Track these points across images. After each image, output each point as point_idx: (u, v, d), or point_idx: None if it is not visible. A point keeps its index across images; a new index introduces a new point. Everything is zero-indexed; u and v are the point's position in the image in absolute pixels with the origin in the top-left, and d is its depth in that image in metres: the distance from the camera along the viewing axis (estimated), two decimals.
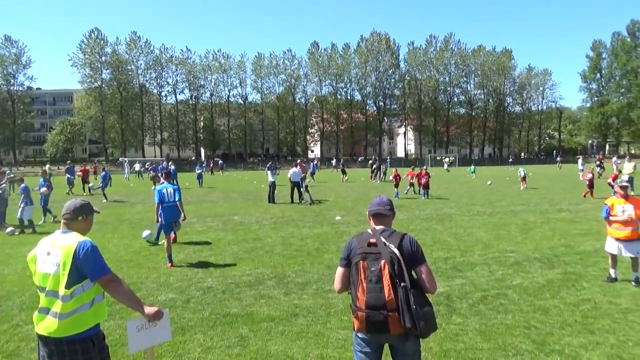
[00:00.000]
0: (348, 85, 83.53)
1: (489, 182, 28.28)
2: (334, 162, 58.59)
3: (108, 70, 73.18)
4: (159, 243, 10.35)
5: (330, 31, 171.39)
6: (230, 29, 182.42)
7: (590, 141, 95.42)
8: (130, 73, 75.06)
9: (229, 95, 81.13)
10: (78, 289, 2.80)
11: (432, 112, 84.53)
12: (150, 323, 3.00)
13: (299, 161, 23.13)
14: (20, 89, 72.98)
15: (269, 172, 19.94)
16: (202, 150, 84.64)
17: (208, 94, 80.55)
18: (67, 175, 25.90)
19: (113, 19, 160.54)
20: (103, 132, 73.52)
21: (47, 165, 37.44)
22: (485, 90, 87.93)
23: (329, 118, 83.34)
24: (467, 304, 6.11)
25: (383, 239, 2.91)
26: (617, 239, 6.92)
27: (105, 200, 20.75)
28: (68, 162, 29.80)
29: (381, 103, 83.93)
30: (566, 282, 7.05)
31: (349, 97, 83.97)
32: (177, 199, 8.80)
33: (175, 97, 79.47)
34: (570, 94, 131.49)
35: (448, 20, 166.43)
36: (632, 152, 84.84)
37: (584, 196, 19.23)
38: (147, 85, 77.65)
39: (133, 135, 75.33)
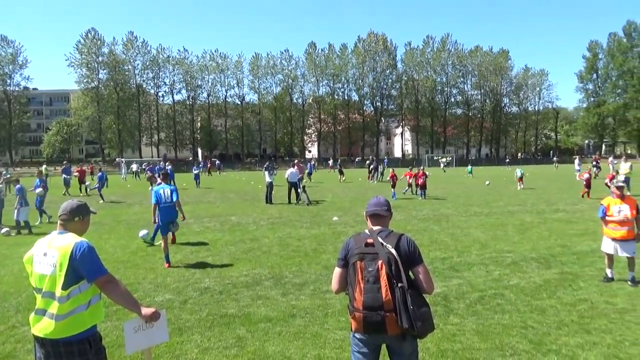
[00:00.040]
0: (345, 86, 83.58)
1: (487, 183, 28.33)
2: (330, 162, 58.61)
3: (105, 71, 73.03)
4: (155, 244, 10.34)
5: (327, 31, 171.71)
6: (228, 29, 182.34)
7: (586, 141, 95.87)
8: (127, 73, 74.92)
9: (226, 96, 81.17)
10: (75, 290, 2.79)
11: (429, 112, 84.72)
12: (148, 324, 2.99)
13: (296, 161, 23.10)
14: (17, 89, 72.82)
15: (266, 173, 19.91)
16: (200, 151, 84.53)
17: (205, 94, 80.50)
18: (64, 176, 25.82)
19: (110, 19, 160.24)
20: (100, 133, 73.27)
21: (44, 166, 37.30)
22: (482, 91, 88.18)
23: (326, 118, 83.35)
24: (465, 304, 6.12)
25: (380, 240, 2.91)
26: (613, 239, 6.95)
27: (102, 201, 20.69)
28: (64, 162, 29.73)
29: (378, 103, 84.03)
30: (563, 282, 7.07)
31: (346, 98, 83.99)
32: (174, 199, 8.79)
33: (173, 97, 79.45)
34: (566, 94, 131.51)
35: (445, 20, 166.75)
36: (629, 152, 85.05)
37: (582, 196, 19.28)
38: (144, 86, 77.54)
39: (130, 136, 75.17)
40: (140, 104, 75.62)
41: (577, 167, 32.84)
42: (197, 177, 31.12)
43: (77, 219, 3.04)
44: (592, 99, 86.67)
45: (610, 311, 5.80)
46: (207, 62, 78.50)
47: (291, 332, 5.26)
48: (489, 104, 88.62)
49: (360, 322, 2.83)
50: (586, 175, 20.03)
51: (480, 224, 12.94)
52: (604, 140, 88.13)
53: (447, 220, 13.87)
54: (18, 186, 13.43)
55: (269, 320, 5.64)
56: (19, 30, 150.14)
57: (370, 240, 2.93)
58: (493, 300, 6.29)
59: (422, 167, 24.17)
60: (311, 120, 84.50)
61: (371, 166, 34.25)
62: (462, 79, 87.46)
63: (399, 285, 2.74)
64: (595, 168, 28.90)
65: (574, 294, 6.50)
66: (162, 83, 78.34)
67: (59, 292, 2.76)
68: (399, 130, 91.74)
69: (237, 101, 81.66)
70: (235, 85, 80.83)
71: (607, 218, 7.04)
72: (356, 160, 72.27)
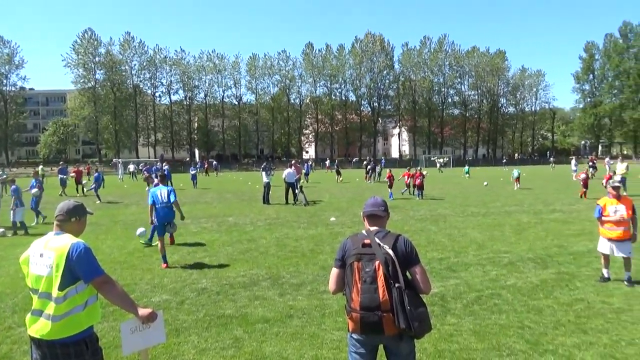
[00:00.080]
0: (342, 86, 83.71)
1: (485, 183, 28.34)
2: (327, 162, 58.62)
3: (102, 71, 72.90)
4: (153, 244, 10.31)
5: (324, 32, 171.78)
6: (225, 29, 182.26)
7: (583, 142, 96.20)
8: (124, 73, 74.76)
9: (223, 96, 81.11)
10: (71, 291, 2.78)
11: (426, 113, 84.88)
12: (144, 325, 2.98)
13: (293, 162, 23.11)
14: (13, 89, 72.51)
15: (263, 173, 19.91)
16: (197, 151, 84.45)
17: (202, 95, 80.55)
18: (60, 176, 25.73)
19: (107, 20, 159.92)
20: (97, 133, 73.08)
21: (40, 166, 37.19)
22: (479, 91, 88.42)
23: (323, 119, 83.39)
24: (462, 305, 6.13)
25: (377, 240, 2.91)
26: (610, 239, 6.98)
27: (98, 202, 20.64)
28: (61, 162, 29.59)
29: (375, 104, 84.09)
30: (559, 282, 7.09)
31: (343, 98, 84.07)
32: (172, 200, 8.77)
33: (170, 97, 79.42)
34: (563, 95, 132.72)
35: (442, 21, 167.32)
36: (625, 152, 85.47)
37: (581, 196, 19.32)
38: (141, 86, 77.41)
39: (127, 136, 75.02)
40: (137, 104, 75.53)
41: (573, 168, 32.96)
42: (194, 177, 31.08)
43: (73, 219, 3.03)
44: (588, 99, 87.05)
45: (607, 311, 5.82)
46: (204, 63, 78.50)
47: (288, 332, 5.25)
48: (486, 104, 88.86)
49: (358, 322, 2.83)
50: (583, 176, 20.11)
51: (478, 225, 12.96)
52: (601, 140, 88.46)
53: (445, 220, 13.89)
54: (13, 187, 13.36)
55: (266, 320, 5.63)
56: (15, 30, 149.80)
57: (367, 241, 2.93)
58: (490, 300, 6.30)
59: (419, 168, 24.22)
60: (308, 120, 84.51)
61: (368, 167, 34.28)
62: (459, 80, 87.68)
63: (396, 285, 2.74)
64: (591, 168, 28.98)
65: (570, 294, 6.52)
66: (159, 83, 78.40)
67: (55, 293, 2.75)
68: (396, 131, 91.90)
69: (235, 102, 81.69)
70: (232, 85, 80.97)
71: (603, 218, 7.06)
72: (353, 160, 72.37)
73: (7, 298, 6.72)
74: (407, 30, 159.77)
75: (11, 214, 12.81)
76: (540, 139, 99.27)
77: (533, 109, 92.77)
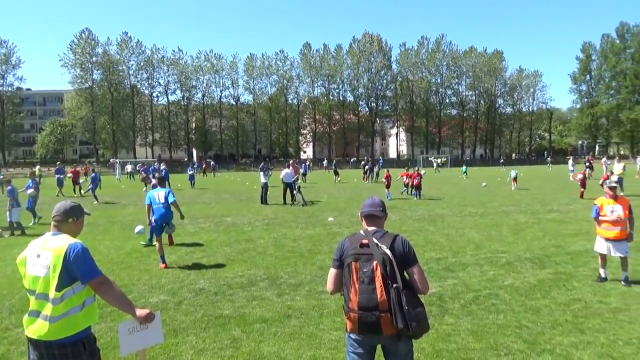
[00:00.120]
0: (340, 86, 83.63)
1: (483, 184, 28.26)
2: (325, 162, 58.61)
3: (99, 71, 72.57)
4: (153, 244, 10.28)
5: (322, 32, 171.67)
6: (222, 29, 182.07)
7: (580, 142, 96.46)
8: (121, 74, 74.52)
9: (221, 96, 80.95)
10: (69, 292, 2.77)
11: (424, 113, 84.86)
12: (142, 325, 2.98)
13: (291, 162, 23.11)
14: (10, 89, 72.31)
15: (261, 173, 19.89)
16: (194, 151, 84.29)
17: (200, 95, 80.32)
18: (57, 176, 25.69)
19: (104, 20, 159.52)
20: (94, 133, 72.88)
21: (37, 167, 37.13)
22: (477, 92, 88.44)
23: (321, 119, 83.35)
24: (459, 305, 6.14)
25: (375, 240, 2.91)
26: (607, 239, 7.00)
27: (96, 202, 20.59)
28: (58, 163, 29.54)
29: (373, 104, 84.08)
30: (557, 282, 7.11)
31: (341, 98, 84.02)
32: (171, 200, 8.77)
33: (167, 97, 79.15)
34: (560, 95, 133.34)
35: (439, 21, 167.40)
36: (622, 152, 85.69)
37: (580, 197, 19.32)
38: (139, 86, 77.14)
39: (124, 137, 74.82)
40: (135, 104, 75.30)
41: (570, 168, 33.04)
42: (191, 177, 31.05)
43: (70, 220, 3.02)
44: (585, 100, 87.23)
45: (604, 311, 5.84)
46: (201, 63, 78.35)
47: (286, 332, 5.25)
48: (483, 104, 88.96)
49: (356, 322, 2.84)
50: (580, 176, 20.18)
51: (475, 225, 12.98)
52: (598, 140, 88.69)
53: (442, 220, 13.91)
54: (9, 187, 13.33)
55: (264, 321, 5.63)
56: (12, 30, 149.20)
57: (365, 241, 2.94)
58: (488, 300, 6.31)
59: (417, 168, 24.24)
60: (306, 120, 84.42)
61: (366, 167, 34.30)
62: (456, 80, 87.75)
63: (394, 285, 2.75)
64: (588, 169, 29.06)
65: (567, 294, 6.54)
66: (157, 83, 78.11)
67: (52, 293, 2.74)
68: (393, 131, 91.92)
69: (232, 102, 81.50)
70: (230, 85, 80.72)
71: (600, 218, 7.09)
72: (351, 160, 72.35)
73: (4, 299, 6.70)
74: (404, 31, 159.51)
75: (7, 214, 12.78)
76: (538, 139, 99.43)
77: (530, 109, 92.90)
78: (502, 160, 70.03)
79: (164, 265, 8.42)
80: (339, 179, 34.60)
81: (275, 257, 9.22)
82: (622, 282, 6.91)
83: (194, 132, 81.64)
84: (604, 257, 7.13)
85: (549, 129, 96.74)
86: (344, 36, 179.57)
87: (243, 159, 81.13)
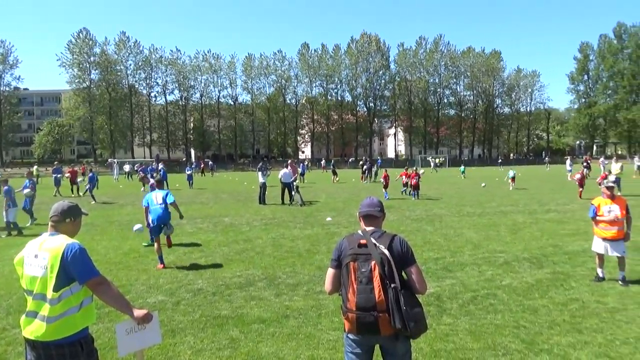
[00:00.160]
0: (338, 86, 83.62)
1: (483, 185, 28.16)
2: (323, 162, 58.61)
3: (97, 71, 72.47)
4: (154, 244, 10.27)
5: (320, 32, 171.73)
6: (220, 29, 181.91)
7: (577, 142, 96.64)
8: (119, 73, 74.46)
9: (219, 96, 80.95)
10: (66, 292, 2.77)
11: (422, 113, 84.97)
12: (140, 326, 2.97)
13: (289, 162, 23.10)
14: (7, 89, 72.22)
15: (259, 173, 19.87)
16: (192, 151, 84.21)
17: (198, 95, 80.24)
18: (54, 175, 25.63)
19: (102, 19, 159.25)
20: (92, 133, 72.71)
21: (35, 167, 37.05)
22: (475, 92, 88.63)
23: (319, 119, 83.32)
24: (457, 305, 6.15)
25: (373, 240, 2.91)
26: (604, 239, 7.02)
27: (93, 202, 20.54)
28: (55, 162, 29.49)
29: (371, 104, 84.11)
30: (555, 282, 7.12)
31: (339, 98, 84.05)
32: (170, 201, 8.77)
33: (165, 97, 79.08)
34: (558, 95, 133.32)
35: (438, 21, 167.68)
36: (619, 152, 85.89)
37: (579, 196, 19.31)
38: (137, 86, 77.09)
39: (122, 136, 74.70)
40: (133, 104, 75.18)
41: (568, 168, 33.14)
42: (190, 177, 30.99)
43: (68, 220, 3.01)
44: (583, 100, 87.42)
45: (602, 310, 5.85)
46: (200, 63, 78.26)
47: (285, 333, 5.25)
48: (481, 104, 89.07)
49: (354, 322, 2.84)
50: (578, 176, 20.24)
51: (473, 225, 13.00)
52: (595, 140, 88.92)
53: (440, 220, 13.92)
54: (6, 187, 13.28)
55: (262, 321, 5.63)
56: (9, 29, 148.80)
57: (363, 241, 2.94)
58: (486, 300, 6.32)
59: (415, 168, 24.25)
60: (304, 120, 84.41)
61: (364, 167, 34.31)
62: (454, 80, 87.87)
63: (392, 285, 2.75)
64: (585, 169, 29.14)
65: (565, 294, 6.55)
66: (155, 83, 78.14)
67: (50, 294, 2.74)
68: (392, 131, 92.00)
69: (230, 102, 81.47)
70: (228, 85, 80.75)
71: (597, 218, 7.11)
72: (349, 160, 72.37)
73: (1, 300, 6.68)
74: (402, 31, 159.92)
75: (4, 214, 12.75)
76: (536, 139, 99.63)
77: (528, 110, 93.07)
78: (500, 160, 70.20)
79: (162, 265, 8.42)
80: (337, 179, 34.61)
81: (274, 257, 9.22)
82: (620, 282, 6.93)
83: (192, 132, 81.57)
84: (601, 257, 7.15)
85: (547, 129, 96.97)
86: (342, 36, 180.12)
87: (241, 159, 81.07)
